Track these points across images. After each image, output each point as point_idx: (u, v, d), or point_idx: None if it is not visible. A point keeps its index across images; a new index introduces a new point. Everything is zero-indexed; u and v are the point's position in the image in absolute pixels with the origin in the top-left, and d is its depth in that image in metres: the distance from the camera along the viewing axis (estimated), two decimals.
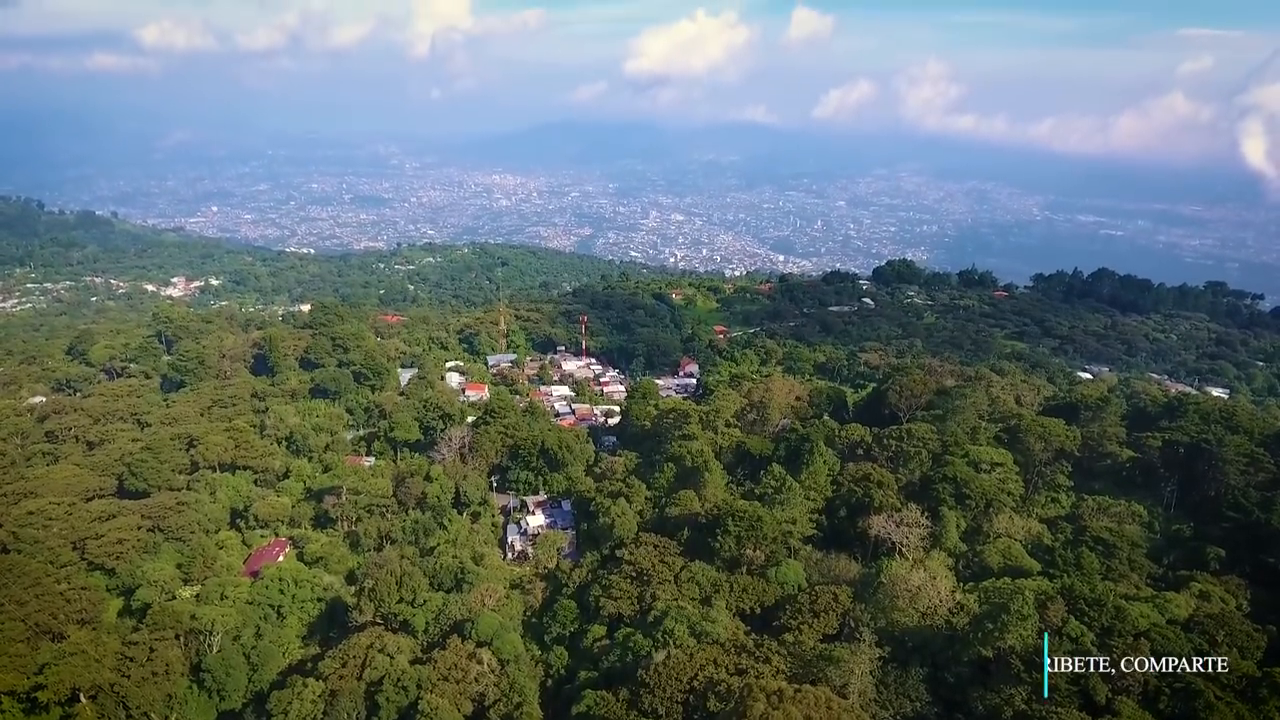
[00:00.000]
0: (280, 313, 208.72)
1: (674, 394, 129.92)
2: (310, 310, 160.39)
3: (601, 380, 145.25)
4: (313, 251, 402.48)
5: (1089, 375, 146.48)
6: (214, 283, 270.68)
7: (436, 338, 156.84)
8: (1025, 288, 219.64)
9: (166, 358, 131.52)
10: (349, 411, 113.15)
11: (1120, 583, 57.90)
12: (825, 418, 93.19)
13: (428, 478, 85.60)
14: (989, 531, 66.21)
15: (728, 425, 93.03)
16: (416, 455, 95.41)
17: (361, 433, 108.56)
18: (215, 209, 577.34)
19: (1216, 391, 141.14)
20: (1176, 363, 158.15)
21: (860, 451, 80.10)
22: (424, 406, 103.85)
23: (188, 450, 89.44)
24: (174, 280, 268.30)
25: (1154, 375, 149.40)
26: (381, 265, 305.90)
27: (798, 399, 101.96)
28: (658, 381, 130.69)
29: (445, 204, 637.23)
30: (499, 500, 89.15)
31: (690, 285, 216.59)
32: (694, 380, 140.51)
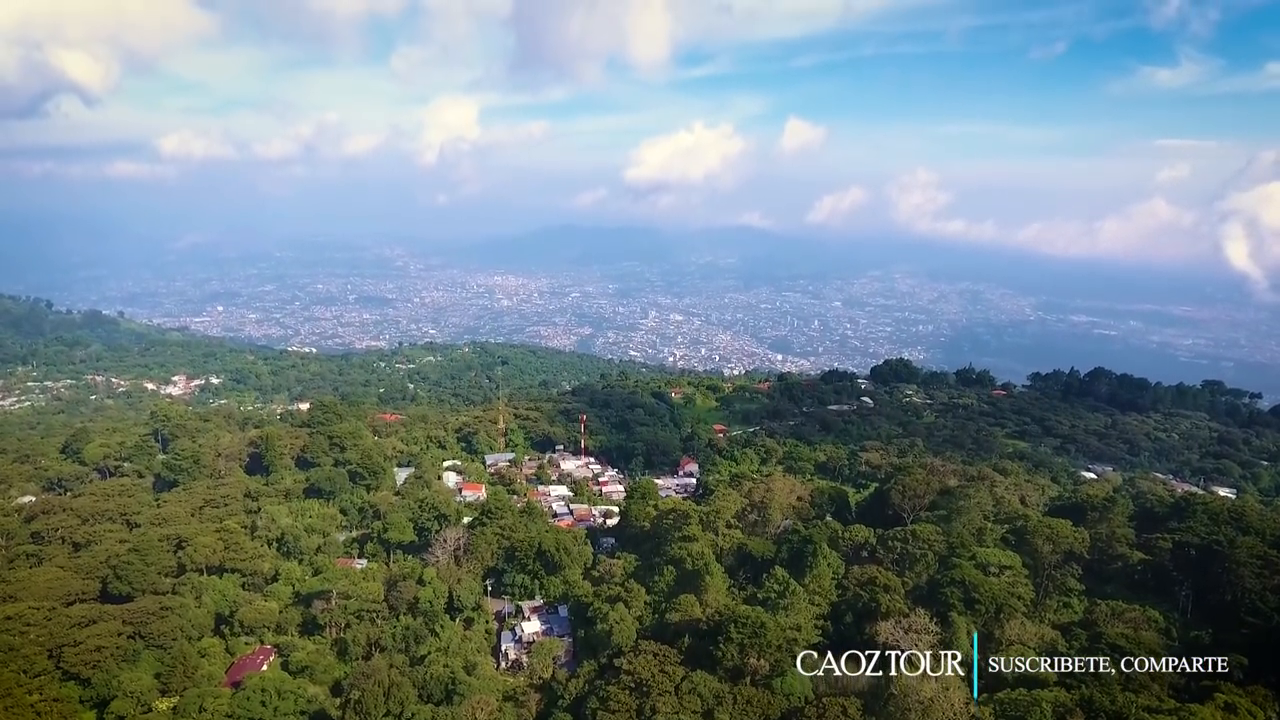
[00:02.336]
0: (279, 411, 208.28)
1: (674, 493, 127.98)
2: (309, 409, 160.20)
3: (600, 480, 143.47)
4: (315, 350, 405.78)
5: (1093, 475, 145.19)
6: (214, 381, 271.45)
7: (434, 436, 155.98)
8: (1023, 387, 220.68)
9: (161, 456, 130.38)
10: (343, 512, 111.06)
11: (1141, 694, 55.34)
12: (827, 518, 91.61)
13: (421, 581, 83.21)
14: (1001, 638, 63.78)
15: (729, 526, 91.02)
16: (410, 557, 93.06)
17: (355, 534, 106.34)
18: (221, 308, 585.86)
19: (1223, 491, 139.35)
20: (1180, 462, 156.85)
21: (865, 554, 78.33)
22: (419, 506, 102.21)
23: (175, 552, 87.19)
24: (175, 378, 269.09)
25: (1158, 475, 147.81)
26: (382, 364, 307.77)
27: (799, 499, 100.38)
28: (657, 481, 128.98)
29: (448, 304, 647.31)
30: (493, 605, 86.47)
31: (689, 384, 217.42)
32: (694, 479, 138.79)
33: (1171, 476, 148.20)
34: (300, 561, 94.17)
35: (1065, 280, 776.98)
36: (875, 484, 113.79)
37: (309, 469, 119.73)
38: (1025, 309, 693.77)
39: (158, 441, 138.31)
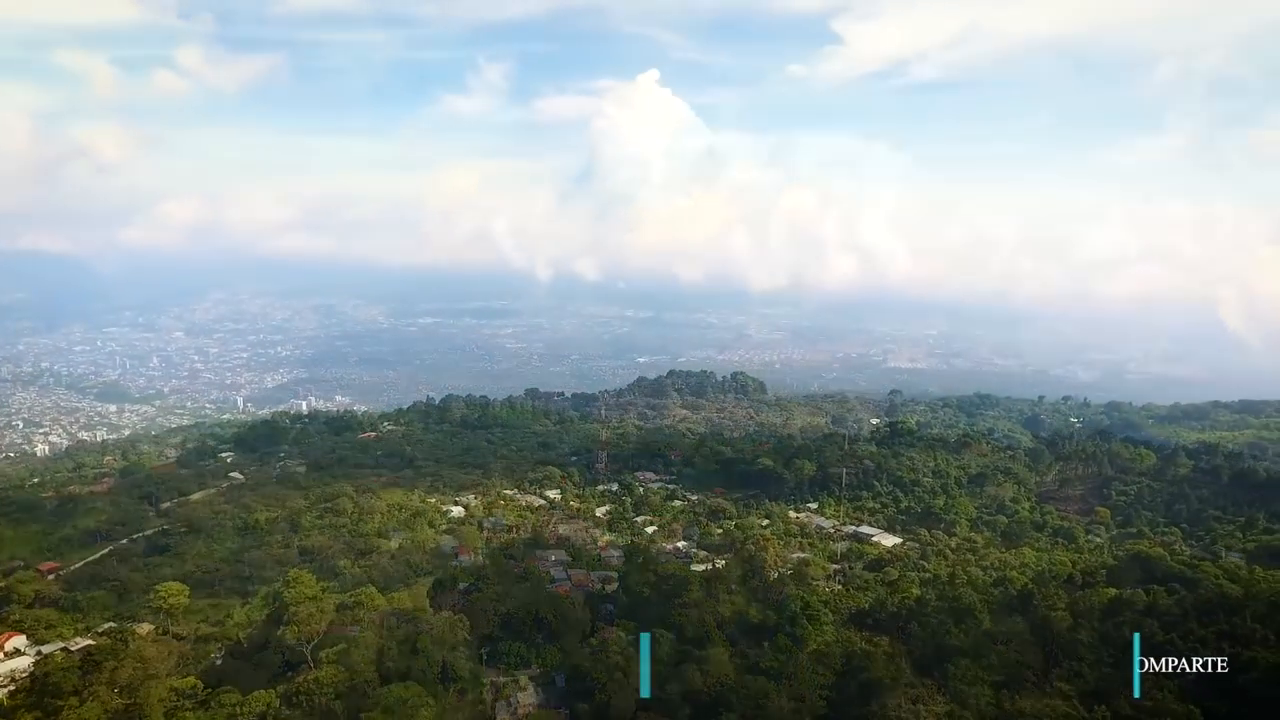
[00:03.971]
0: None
1: None
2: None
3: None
4: None
5: (459, 508, 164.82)
6: None
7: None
8: (388, 426, 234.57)
9: None
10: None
11: None
12: None
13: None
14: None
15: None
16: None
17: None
18: None
19: (553, 492, 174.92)
20: (521, 475, 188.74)
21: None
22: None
23: None
24: None
25: (508, 491, 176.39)
26: None
27: None
28: None
29: None
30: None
31: None
32: None
33: (517, 491, 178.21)
34: None
35: (409, 287, 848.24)
36: None
37: None
38: (378, 317, 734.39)
39: None
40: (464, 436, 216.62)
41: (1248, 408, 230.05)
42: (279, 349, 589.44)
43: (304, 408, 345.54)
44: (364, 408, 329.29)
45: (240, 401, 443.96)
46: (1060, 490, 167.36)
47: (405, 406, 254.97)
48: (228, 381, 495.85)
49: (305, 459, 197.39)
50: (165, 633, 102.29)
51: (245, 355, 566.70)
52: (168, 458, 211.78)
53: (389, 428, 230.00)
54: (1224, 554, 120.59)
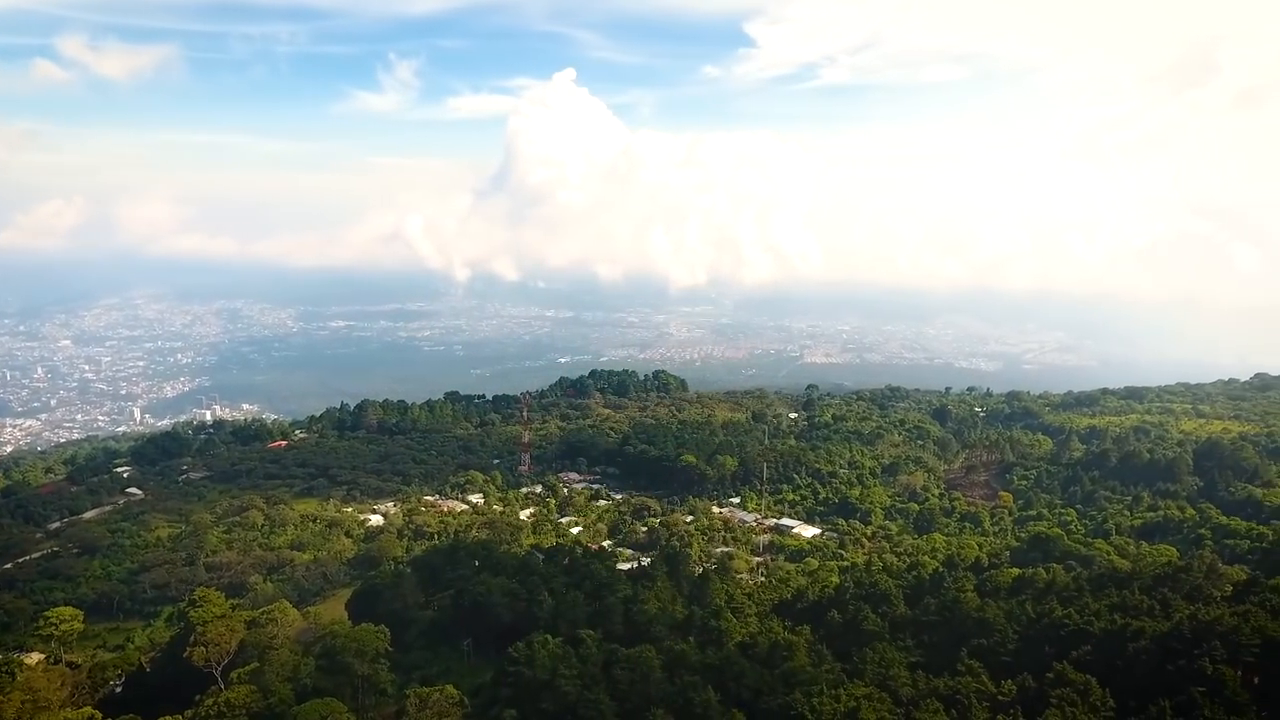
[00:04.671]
0: None
1: None
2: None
3: None
4: None
5: (378, 516, 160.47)
6: None
7: None
8: (300, 432, 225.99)
9: None
10: None
11: None
12: None
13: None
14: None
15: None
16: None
17: None
18: None
19: (475, 495, 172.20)
20: (442, 480, 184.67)
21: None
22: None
23: None
24: None
25: (429, 498, 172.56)
26: None
27: None
28: None
29: None
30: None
31: None
32: None
33: (438, 496, 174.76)
34: None
35: (318, 289, 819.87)
36: None
37: None
38: (287, 321, 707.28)
39: None
40: (381, 442, 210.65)
41: (1132, 394, 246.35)
42: (179, 356, 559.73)
43: (208, 417, 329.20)
44: (274, 415, 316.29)
45: (137, 413, 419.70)
46: (967, 477, 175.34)
47: (318, 413, 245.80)
48: (123, 392, 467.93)
49: (211, 471, 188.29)
50: (57, 661, 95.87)
51: (142, 364, 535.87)
52: (56, 475, 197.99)
53: (301, 435, 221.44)
54: (1114, 531, 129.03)
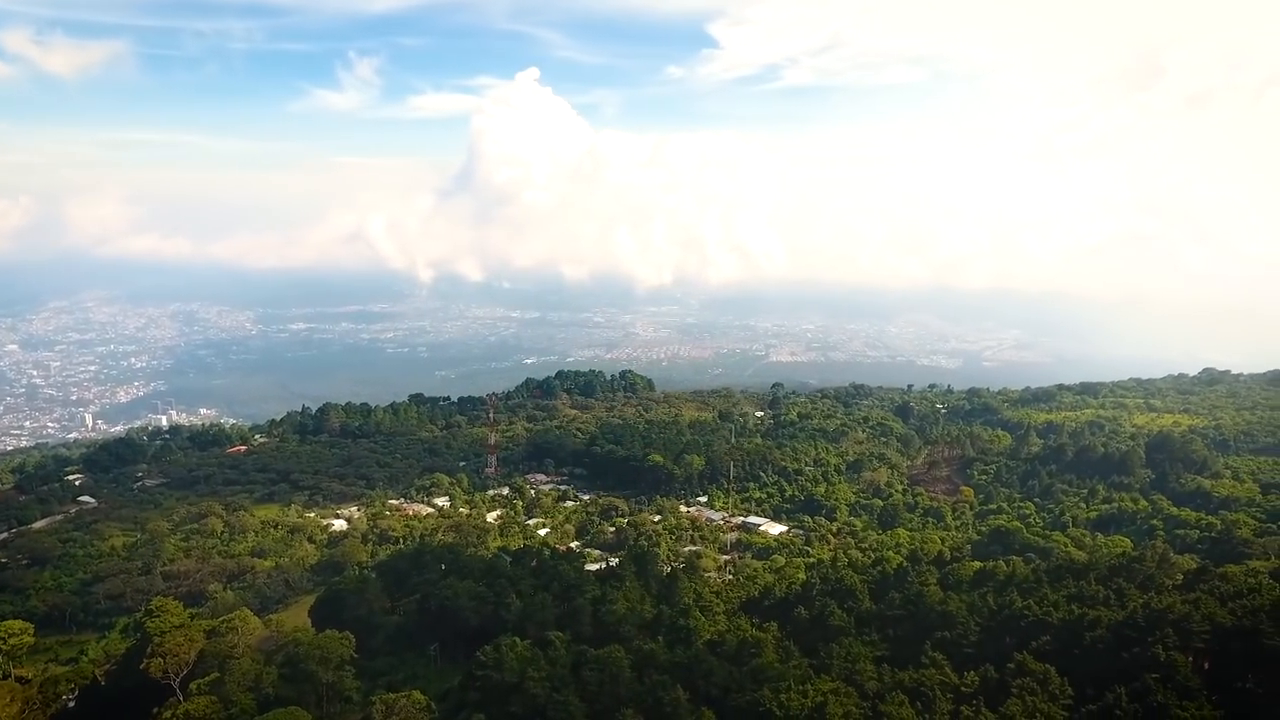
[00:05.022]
0: None
1: None
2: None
3: None
4: None
5: (342, 520, 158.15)
6: None
7: None
8: (261, 436, 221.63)
9: None
10: None
11: None
12: None
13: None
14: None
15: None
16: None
17: None
18: None
19: (440, 501, 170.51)
20: (407, 484, 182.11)
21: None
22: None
23: None
24: None
25: (393, 500, 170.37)
26: None
27: None
28: None
29: None
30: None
31: None
32: None
33: (403, 500, 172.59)
34: None
35: (278, 290, 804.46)
36: None
37: None
38: (246, 324, 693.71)
39: None
40: (345, 446, 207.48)
41: (1087, 389, 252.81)
42: (133, 360, 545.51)
43: (164, 422, 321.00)
44: (232, 420, 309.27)
45: (89, 419, 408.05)
46: (929, 473, 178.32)
47: (279, 417, 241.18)
48: (73, 398, 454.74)
49: (167, 478, 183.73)
50: (6, 676, 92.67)
51: (93, 368, 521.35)
52: (3, 484, 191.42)
53: (261, 440, 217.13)
54: (1071, 524, 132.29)
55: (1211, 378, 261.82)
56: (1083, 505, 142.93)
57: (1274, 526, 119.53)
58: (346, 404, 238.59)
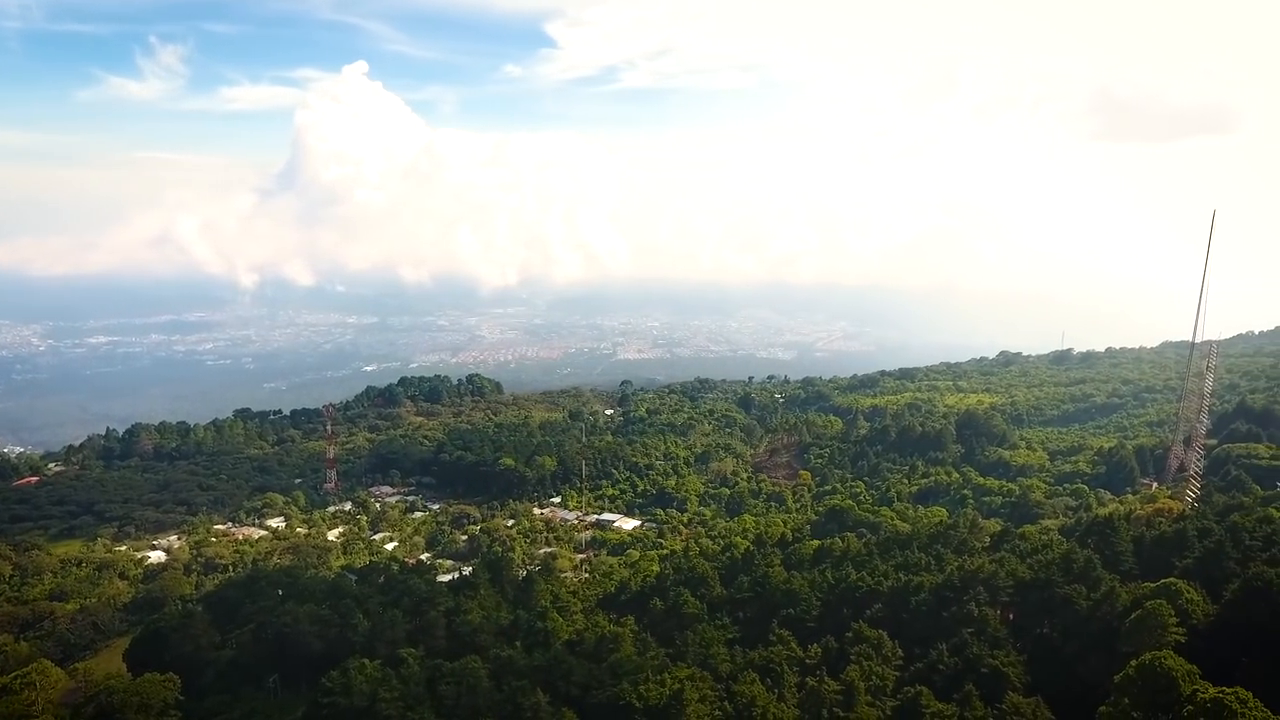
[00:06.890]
0: None
1: None
2: None
3: None
4: None
5: (160, 551, 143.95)
6: None
7: None
8: (56, 466, 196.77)
9: None
10: None
11: None
12: None
13: None
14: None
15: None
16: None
17: None
18: None
19: (276, 521, 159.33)
20: (235, 506, 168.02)
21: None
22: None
23: None
24: None
25: (219, 526, 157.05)
26: None
27: None
28: None
29: None
30: None
31: None
32: None
33: (232, 524, 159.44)
34: None
35: (71, 300, 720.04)
36: None
37: None
38: (32, 339, 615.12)
39: None
40: (160, 470, 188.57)
41: (905, 374, 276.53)
42: None
43: None
44: (20, 449, 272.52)
45: None
46: (771, 459, 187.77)
47: (78, 442, 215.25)
48: None
49: None
50: None
51: None
52: None
53: (57, 469, 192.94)
54: (896, 499, 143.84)
55: (1007, 359, 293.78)
56: (905, 481, 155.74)
57: (1061, 489, 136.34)
58: (161, 423, 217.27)
